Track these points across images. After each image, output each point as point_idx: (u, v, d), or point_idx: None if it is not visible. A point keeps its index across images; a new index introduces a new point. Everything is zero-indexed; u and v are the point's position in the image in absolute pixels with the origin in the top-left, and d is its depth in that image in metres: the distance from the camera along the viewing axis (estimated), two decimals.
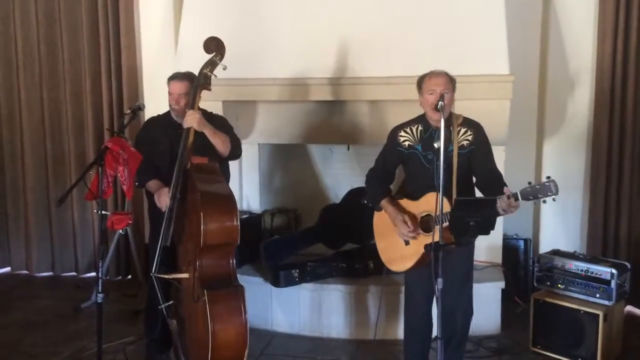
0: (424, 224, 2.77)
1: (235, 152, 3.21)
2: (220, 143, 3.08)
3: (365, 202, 3.04)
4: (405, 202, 2.86)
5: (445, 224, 2.61)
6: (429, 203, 2.73)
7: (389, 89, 3.75)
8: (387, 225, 2.89)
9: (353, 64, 3.86)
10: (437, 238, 2.61)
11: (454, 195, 2.63)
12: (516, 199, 2.49)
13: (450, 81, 2.75)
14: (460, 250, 2.74)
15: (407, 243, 2.83)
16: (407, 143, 2.85)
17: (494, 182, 2.67)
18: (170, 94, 3.17)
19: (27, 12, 4.82)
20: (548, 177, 2.47)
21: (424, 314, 2.93)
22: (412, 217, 2.80)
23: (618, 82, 3.97)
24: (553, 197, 2.45)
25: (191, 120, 2.98)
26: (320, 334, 3.81)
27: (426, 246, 2.64)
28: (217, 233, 2.82)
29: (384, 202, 2.88)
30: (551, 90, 4.22)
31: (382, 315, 3.69)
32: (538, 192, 2.46)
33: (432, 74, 2.76)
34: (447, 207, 2.62)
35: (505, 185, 2.62)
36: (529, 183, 2.50)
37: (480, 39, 3.70)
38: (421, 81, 2.79)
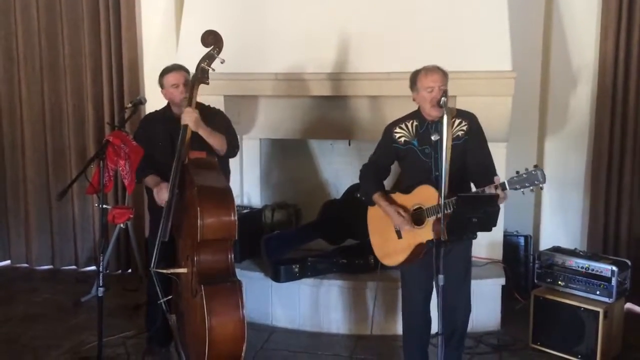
0: (415, 216, 2.77)
1: (232, 152, 3.20)
2: (216, 143, 3.08)
3: (359, 195, 3.03)
4: (397, 196, 2.87)
5: (436, 216, 2.62)
6: (421, 196, 2.74)
7: (390, 85, 3.73)
8: (380, 220, 2.89)
9: (354, 60, 3.85)
10: (433, 234, 2.62)
11: (446, 188, 2.59)
12: (503, 189, 2.50)
13: (445, 75, 2.74)
14: (458, 248, 2.74)
15: (399, 237, 2.83)
16: (403, 139, 2.84)
17: (486, 172, 2.67)
18: (174, 85, 3.14)
19: (28, 5, 4.81)
20: (535, 166, 2.47)
21: (421, 311, 2.93)
22: (405, 209, 2.80)
23: (620, 79, 3.96)
24: (541, 185, 2.44)
25: (188, 119, 2.97)
26: (320, 329, 3.81)
27: (428, 242, 2.65)
28: (214, 228, 2.81)
29: (376, 196, 2.89)
30: (553, 87, 4.20)
31: (381, 310, 3.70)
32: (525, 180, 2.46)
33: (426, 71, 2.74)
34: (436, 200, 2.62)
35: (496, 175, 2.61)
36: (517, 172, 2.49)
37: (483, 35, 3.68)
38: (415, 78, 2.78)
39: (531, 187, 2.46)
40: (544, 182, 2.43)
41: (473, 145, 2.77)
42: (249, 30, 3.99)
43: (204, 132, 3.03)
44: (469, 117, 2.81)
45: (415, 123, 2.83)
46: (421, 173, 2.79)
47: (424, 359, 3.02)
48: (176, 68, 3.17)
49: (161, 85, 3.22)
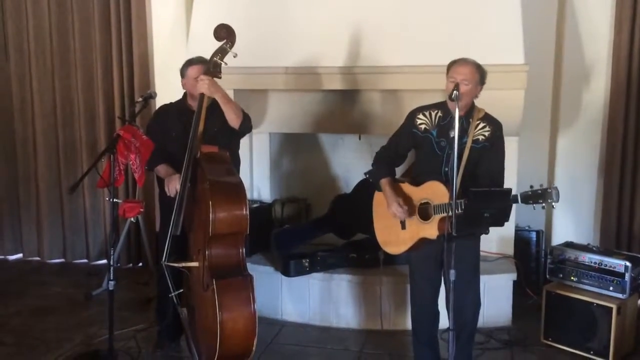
0: (422, 211, 2.76)
1: (246, 125, 3.17)
2: (231, 112, 3.06)
3: (367, 176, 3.02)
4: (406, 186, 2.85)
5: (443, 215, 2.61)
6: (430, 191, 2.73)
7: (401, 78, 3.71)
8: (386, 207, 2.88)
9: (365, 53, 3.83)
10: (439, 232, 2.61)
11: (456, 188, 2.55)
12: (515, 202, 2.50)
13: (476, 72, 2.68)
14: (467, 243, 2.72)
15: (403, 227, 2.82)
16: (423, 126, 2.81)
17: (489, 185, 2.65)
18: (197, 78, 3.06)
19: (39, 0, 4.82)
20: (550, 185, 2.48)
21: (429, 304, 2.93)
22: (410, 201, 2.79)
23: (635, 73, 3.91)
24: (553, 204, 2.46)
25: (202, 86, 2.97)
26: (330, 324, 3.81)
27: (439, 237, 2.63)
28: (226, 222, 2.81)
29: (383, 181, 2.87)
30: (566, 81, 4.16)
31: (392, 305, 3.69)
32: (539, 197, 2.47)
33: (458, 61, 2.71)
34: (446, 199, 2.59)
35: None
36: (531, 187, 2.50)
37: (495, 28, 3.65)
38: (449, 67, 2.74)
39: (543, 205, 2.47)
40: (557, 201, 2.45)
41: (489, 154, 2.74)
42: (259, 24, 3.97)
43: (221, 98, 3.01)
44: (494, 125, 2.77)
45: (439, 114, 2.79)
46: (432, 165, 2.78)
47: (433, 352, 3.02)
48: (202, 61, 3.15)
49: (182, 75, 3.21)
